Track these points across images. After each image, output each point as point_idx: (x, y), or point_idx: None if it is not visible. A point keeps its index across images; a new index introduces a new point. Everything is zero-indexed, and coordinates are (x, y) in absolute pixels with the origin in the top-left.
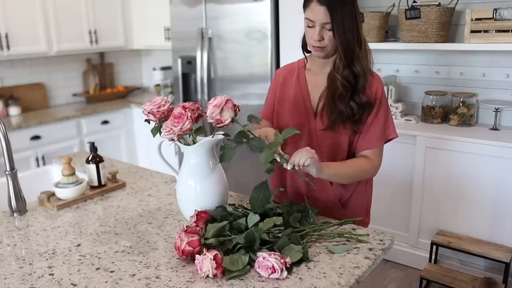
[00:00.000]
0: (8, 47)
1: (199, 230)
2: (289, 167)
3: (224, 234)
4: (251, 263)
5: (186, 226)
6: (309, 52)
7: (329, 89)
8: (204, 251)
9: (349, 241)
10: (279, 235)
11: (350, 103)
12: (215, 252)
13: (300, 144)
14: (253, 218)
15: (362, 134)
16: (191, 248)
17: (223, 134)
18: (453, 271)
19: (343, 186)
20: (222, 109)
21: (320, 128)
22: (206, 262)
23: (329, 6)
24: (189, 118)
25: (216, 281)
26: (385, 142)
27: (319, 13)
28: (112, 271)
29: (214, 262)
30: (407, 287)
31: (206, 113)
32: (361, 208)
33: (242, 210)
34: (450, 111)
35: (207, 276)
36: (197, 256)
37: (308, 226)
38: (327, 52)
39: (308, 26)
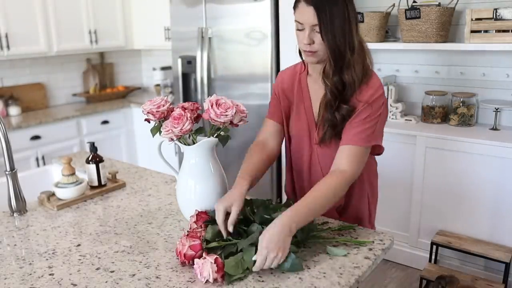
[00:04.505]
0: (8, 47)
1: (200, 235)
2: (254, 269)
3: (225, 239)
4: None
5: (187, 231)
6: None
7: (325, 97)
8: (204, 255)
9: (346, 244)
10: None
11: (335, 114)
12: (215, 256)
13: (302, 156)
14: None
15: (345, 128)
16: (193, 252)
17: (223, 136)
18: (453, 271)
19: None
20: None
21: (316, 142)
22: (206, 266)
23: (317, 7)
24: (188, 119)
25: (217, 281)
26: (372, 152)
27: (307, 14)
28: (112, 271)
29: (215, 265)
30: (407, 287)
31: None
32: (362, 216)
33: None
34: (450, 111)
35: (207, 281)
36: (196, 260)
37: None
38: (319, 57)
39: (298, 29)
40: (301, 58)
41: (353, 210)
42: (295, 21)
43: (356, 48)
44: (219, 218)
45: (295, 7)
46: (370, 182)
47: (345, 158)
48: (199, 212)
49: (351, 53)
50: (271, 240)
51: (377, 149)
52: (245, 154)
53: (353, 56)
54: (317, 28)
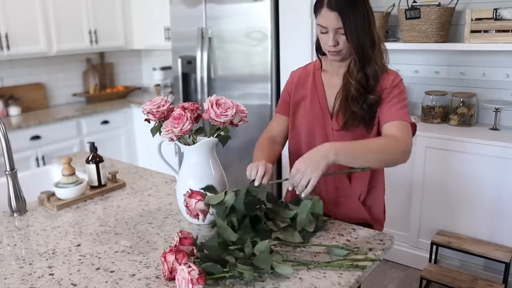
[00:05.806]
0: (8, 47)
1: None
2: (289, 188)
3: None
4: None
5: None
6: (323, 54)
7: (343, 90)
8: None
9: (347, 244)
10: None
11: (363, 105)
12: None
13: (316, 145)
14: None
15: (381, 111)
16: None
17: (223, 136)
18: (453, 271)
19: (361, 183)
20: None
21: (336, 128)
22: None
23: (340, 11)
24: (188, 119)
25: (217, 282)
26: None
27: (331, 19)
28: (112, 271)
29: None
30: (407, 287)
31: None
32: (378, 209)
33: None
34: (450, 111)
35: None
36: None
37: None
38: (343, 55)
39: (322, 32)
40: (317, 55)
41: (372, 201)
42: (318, 25)
43: (376, 43)
44: (261, 170)
45: (316, 12)
46: (383, 179)
47: (395, 129)
48: (192, 191)
49: (372, 48)
50: (304, 161)
51: (412, 130)
52: (256, 144)
53: (374, 51)
54: (341, 31)
